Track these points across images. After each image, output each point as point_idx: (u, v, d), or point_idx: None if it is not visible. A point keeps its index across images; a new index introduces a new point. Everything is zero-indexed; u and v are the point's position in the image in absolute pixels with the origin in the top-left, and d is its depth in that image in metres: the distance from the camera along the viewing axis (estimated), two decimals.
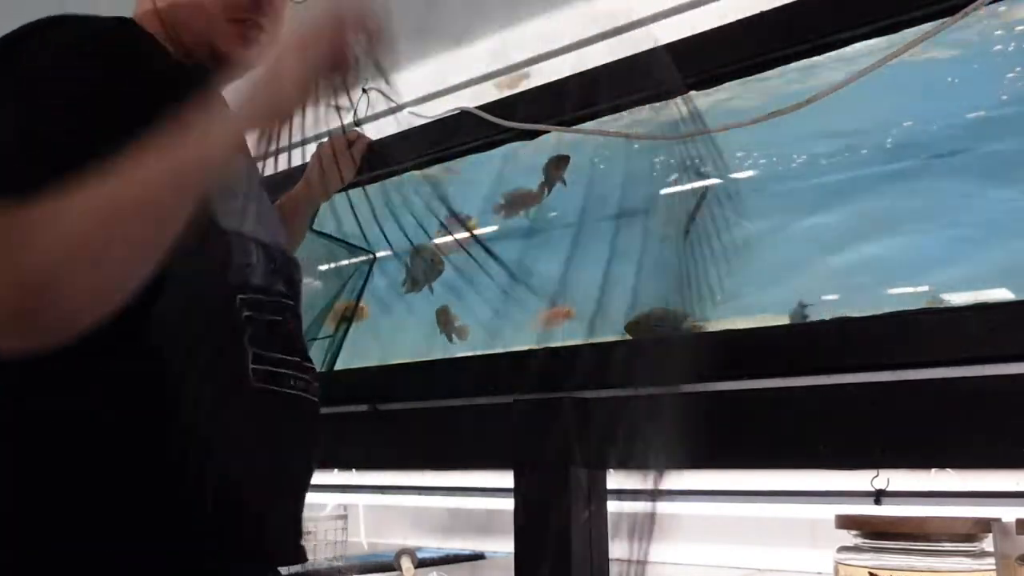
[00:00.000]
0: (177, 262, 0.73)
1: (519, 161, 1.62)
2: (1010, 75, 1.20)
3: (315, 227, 1.61)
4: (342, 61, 0.79)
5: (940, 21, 1.07)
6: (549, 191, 1.63)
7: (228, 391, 0.69)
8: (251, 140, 0.82)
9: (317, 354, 1.55)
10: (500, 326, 1.71)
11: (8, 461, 0.77)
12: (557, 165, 1.58)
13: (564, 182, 1.63)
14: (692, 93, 1.31)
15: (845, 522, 1.15)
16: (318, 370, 1.49)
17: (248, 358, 0.88)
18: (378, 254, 1.66)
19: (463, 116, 1.53)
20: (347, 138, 1.60)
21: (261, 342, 0.90)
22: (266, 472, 0.89)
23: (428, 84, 1.67)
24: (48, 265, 0.67)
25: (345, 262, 1.73)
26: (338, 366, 1.61)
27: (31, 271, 0.66)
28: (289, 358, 0.92)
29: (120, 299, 0.69)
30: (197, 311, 0.84)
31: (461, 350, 1.63)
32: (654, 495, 0.87)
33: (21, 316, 0.66)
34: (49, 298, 0.66)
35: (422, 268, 1.68)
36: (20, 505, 0.75)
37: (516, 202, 1.69)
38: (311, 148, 1.62)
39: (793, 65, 1.26)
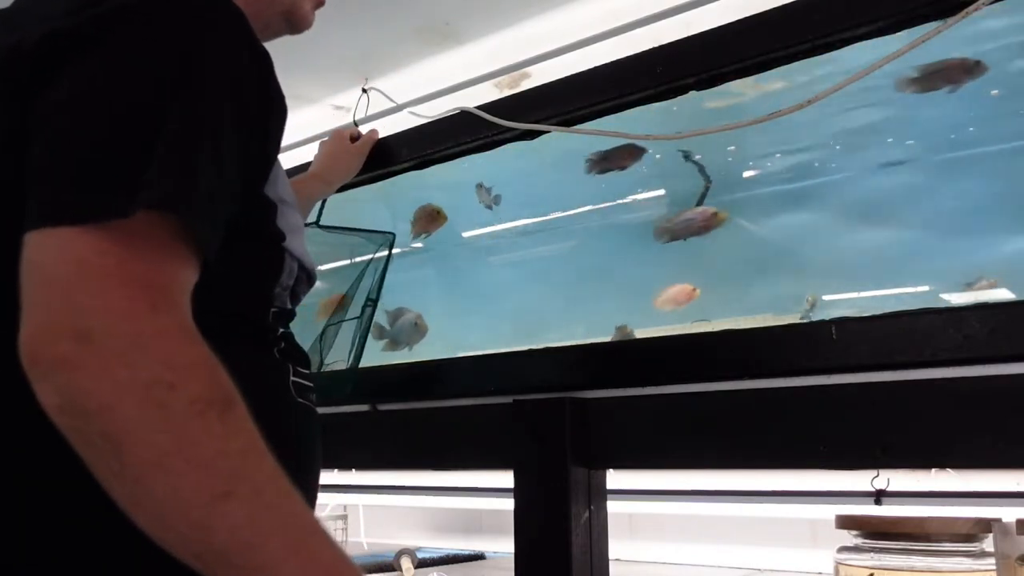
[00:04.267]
0: (231, 265, 0.69)
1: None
2: None
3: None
4: None
5: (942, 20, 1.07)
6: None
7: (275, 407, 0.64)
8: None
9: (345, 339, 1.55)
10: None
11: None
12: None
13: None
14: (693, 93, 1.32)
15: (845, 522, 1.15)
16: (346, 362, 1.51)
17: (289, 372, 0.86)
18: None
19: (463, 116, 1.53)
20: (351, 133, 1.61)
21: (290, 356, 0.88)
22: (310, 489, 0.87)
23: (428, 84, 1.68)
24: (127, 413, 0.58)
25: (346, 261, 1.74)
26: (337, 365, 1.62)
27: (105, 387, 0.58)
28: (306, 370, 0.91)
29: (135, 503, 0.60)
30: (239, 321, 0.82)
31: (462, 350, 1.63)
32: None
33: (53, 376, 0.59)
34: (83, 408, 0.58)
35: (407, 332, 1.72)
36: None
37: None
38: (314, 147, 1.63)
39: None
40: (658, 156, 1.61)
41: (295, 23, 1.01)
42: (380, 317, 1.70)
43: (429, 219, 1.78)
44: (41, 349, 0.60)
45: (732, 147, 1.50)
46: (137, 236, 0.62)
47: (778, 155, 1.46)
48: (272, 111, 0.78)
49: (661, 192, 1.65)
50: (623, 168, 1.52)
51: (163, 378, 0.59)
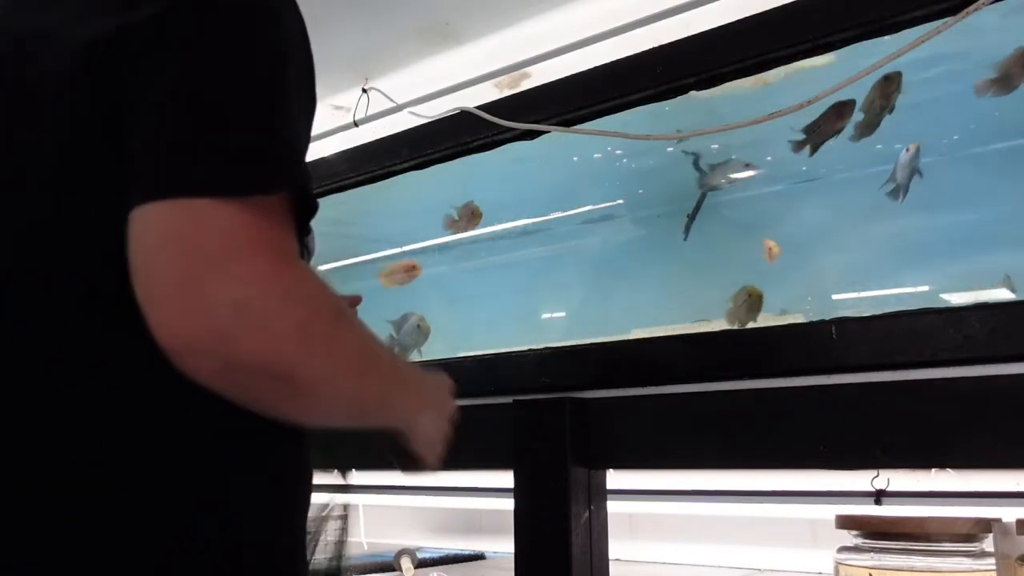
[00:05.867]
0: None
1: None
2: None
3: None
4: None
5: (942, 20, 1.07)
6: None
7: None
8: None
9: None
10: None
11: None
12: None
13: None
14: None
15: (845, 522, 1.15)
16: None
17: None
18: None
19: (463, 116, 1.53)
20: None
21: None
22: (309, 486, 0.89)
23: (428, 84, 1.68)
24: (291, 357, 0.66)
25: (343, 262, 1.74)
26: None
27: (266, 344, 0.65)
28: None
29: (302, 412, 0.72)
30: None
31: (462, 350, 1.63)
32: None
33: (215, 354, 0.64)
34: (248, 365, 0.65)
35: (412, 336, 1.74)
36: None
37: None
38: (314, 147, 1.63)
39: None
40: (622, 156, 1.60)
41: None
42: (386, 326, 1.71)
43: (470, 217, 1.79)
44: (197, 322, 0.63)
45: (715, 146, 1.49)
46: (268, 209, 0.68)
47: (769, 158, 1.46)
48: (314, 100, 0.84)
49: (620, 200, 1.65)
50: (839, 132, 1.40)
51: (308, 318, 0.68)
